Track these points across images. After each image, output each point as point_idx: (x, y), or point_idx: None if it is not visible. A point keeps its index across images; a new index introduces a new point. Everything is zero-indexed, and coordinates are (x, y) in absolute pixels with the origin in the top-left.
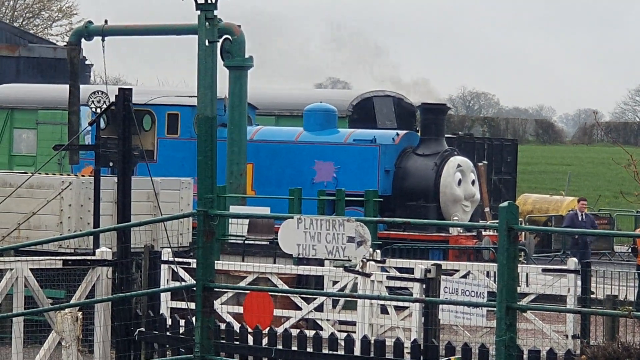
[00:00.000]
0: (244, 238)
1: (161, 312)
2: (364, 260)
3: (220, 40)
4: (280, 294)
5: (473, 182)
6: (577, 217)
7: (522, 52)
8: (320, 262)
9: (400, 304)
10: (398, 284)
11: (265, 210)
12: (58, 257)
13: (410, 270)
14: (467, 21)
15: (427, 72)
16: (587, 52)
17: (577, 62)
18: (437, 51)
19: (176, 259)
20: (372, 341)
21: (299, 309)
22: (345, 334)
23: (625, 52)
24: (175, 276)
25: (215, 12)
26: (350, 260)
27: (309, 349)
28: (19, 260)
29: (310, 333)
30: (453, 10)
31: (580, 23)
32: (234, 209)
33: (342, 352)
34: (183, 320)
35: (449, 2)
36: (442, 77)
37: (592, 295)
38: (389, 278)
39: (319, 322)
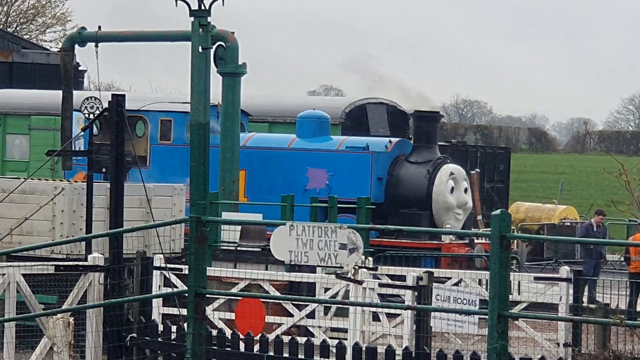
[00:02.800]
0: (236, 244)
1: (153, 318)
2: (356, 267)
3: (214, 47)
4: (272, 300)
5: (465, 190)
6: (592, 228)
7: (501, 61)
8: (312, 269)
9: (392, 311)
10: (390, 291)
11: (258, 217)
12: (50, 263)
13: (402, 278)
14: (438, 30)
15: (417, 80)
16: (561, 61)
17: (555, 71)
18: (421, 59)
19: (168, 265)
20: (364, 348)
21: (291, 315)
22: (336, 341)
23: (597, 62)
24: (167, 282)
25: (209, 19)
26: (342, 267)
27: (301, 356)
28: (11, 266)
29: (301, 340)
30: (424, 19)
31: (549, 33)
32: (226, 215)
33: (334, 359)
34: (175, 327)
35: (417, 12)
36: (432, 85)
37: (583, 304)
38: (381, 285)
39: (310, 329)
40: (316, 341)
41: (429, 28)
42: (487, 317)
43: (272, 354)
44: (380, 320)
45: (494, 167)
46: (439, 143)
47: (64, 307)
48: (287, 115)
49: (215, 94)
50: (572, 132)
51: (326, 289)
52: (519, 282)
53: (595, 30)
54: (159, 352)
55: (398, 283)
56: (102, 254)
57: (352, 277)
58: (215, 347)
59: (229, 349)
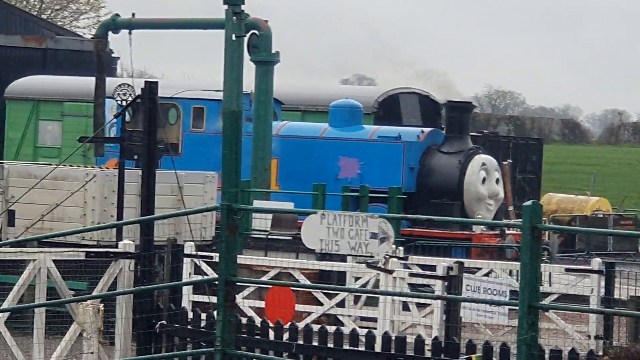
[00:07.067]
0: (267, 233)
1: (183, 305)
2: (387, 256)
3: (247, 35)
4: (302, 289)
5: (497, 181)
6: None
7: (509, 53)
8: (342, 258)
9: (422, 301)
10: (420, 281)
11: (289, 206)
12: (81, 249)
13: (433, 268)
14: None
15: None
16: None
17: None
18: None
19: (199, 253)
20: (393, 338)
21: (321, 304)
22: (366, 330)
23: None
24: (197, 270)
25: (243, 7)
26: (372, 257)
27: (330, 345)
28: (42, 252)
29: (331, 329)
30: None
31: (539, 25)
32: (257, 203)
33: (363, 348)
34: (204, 314)
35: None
36: (465, 75)
37: (615, 296)
38: (411, 275)
39: (340, 317)
40: (345, 330)
41: (426, 21)
42: (517, 308)
43: (301, 342)
44: (410, 310)
45: (526, 158)
46: (471, 133)
47: (94, 293)
48: (320, 104)
49: (248, 82)
50: (605, 123)
51: (356, 278)
52: (550, 274)
53: (587, 23)
54: (188, 339)
55: (428, 273)
56: (133, 241)
57: (382, 267)
58: (244, 335)
59: (258, 337)
